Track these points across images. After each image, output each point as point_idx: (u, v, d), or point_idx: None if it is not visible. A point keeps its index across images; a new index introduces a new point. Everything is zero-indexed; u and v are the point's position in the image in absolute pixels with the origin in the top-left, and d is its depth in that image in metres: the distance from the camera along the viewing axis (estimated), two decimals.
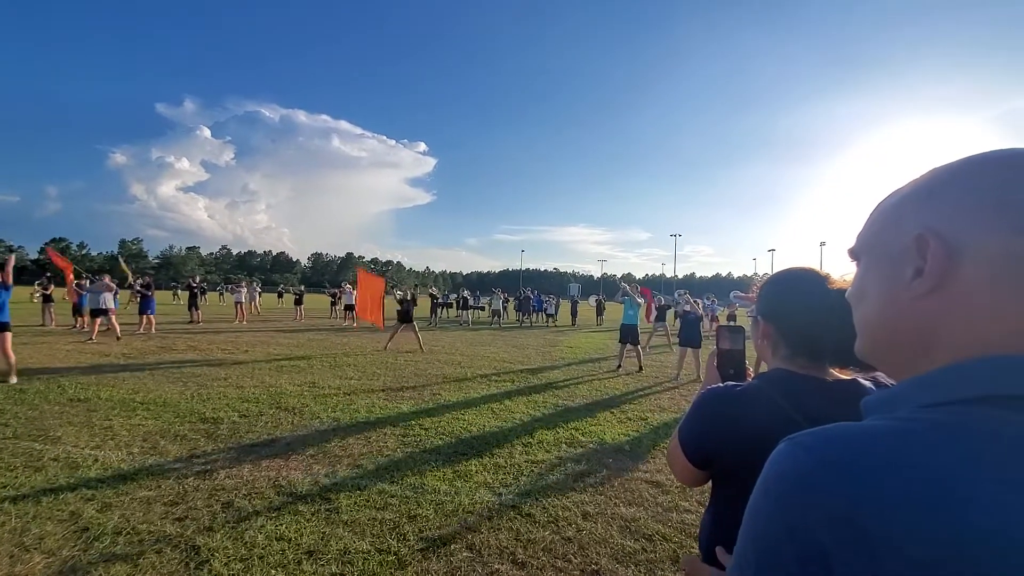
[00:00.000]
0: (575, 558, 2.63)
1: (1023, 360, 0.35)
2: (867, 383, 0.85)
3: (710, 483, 0.95)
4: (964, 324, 0.38)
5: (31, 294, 14.17)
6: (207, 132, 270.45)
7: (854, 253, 0.49)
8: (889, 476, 0.33)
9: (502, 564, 2.54)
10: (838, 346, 0.84)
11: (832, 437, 0.37)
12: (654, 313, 13.40)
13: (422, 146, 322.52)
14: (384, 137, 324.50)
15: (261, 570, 2.40)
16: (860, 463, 0.34)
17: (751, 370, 1.06)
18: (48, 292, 14.31)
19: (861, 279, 0.47)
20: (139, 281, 12.98)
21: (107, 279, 11.32)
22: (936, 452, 0.33)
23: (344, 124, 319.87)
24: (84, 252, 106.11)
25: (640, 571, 2.53)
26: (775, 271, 1.01)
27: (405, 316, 10.77)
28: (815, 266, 0.94)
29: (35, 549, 2.51)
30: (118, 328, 10.88)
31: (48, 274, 17.16)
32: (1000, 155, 0.39)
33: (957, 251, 0.37)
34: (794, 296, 0.90)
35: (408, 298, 11.02)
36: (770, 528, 0.37)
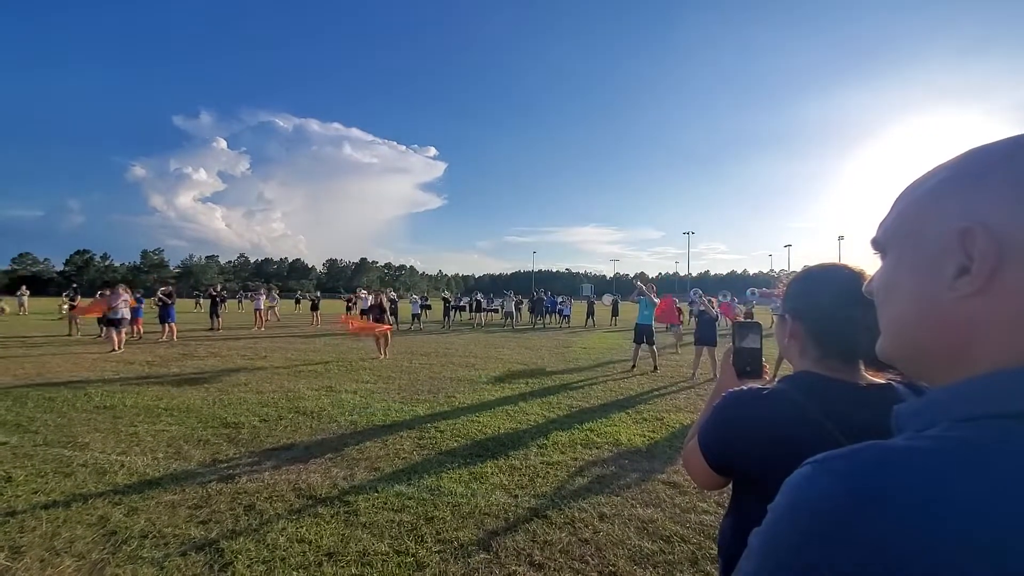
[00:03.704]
0: (592, 560, 2.62)
1: None
2: (901, 387, 0.80)
3: (730, 487, 0.92)
4: (1011, 329, 0.34)
5: (59, 305, 14.60)
6: (223, 143, 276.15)
7: (879, 244, 0.44)
8: (923, 506, 0.30)
9: (519, 566, 2.54)
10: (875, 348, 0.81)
11: (861, 460, 0.34)
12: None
13: (432, 151, 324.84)
14: (395, 143, 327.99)
15: (283, 572, 2.44)
16: (891, 491, 0.31)
17: (768, 367, 1.04)
18: (75, 303, 14.75)
19: (889, 274, 0.43)
20: (161, 290, 13.26)
21: (120, 289, 11.52)
22: (973, 476, 0.31)
23: (356, 131, 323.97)
24: (107, 263, 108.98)
25: (658, 573, 2.51)
26: (805, 266, 0.95)
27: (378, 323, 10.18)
28: (848, 262, 0.88)
29: (65, 553, 2.59)
30: (123, 340, 10.53)
31: (75, 285, 17.68)
32: None
33: (1009, 248, 0.33)
34: (827, 294, 0.85)
35: (376, 303, 10.38)
36: (786, 559, 0.33)
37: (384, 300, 10.41)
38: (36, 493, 3.28)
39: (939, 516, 0.29)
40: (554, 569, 2.52)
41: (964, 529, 0.29)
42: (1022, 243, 0.33)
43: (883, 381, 0.82)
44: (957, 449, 0.32)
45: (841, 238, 53.06)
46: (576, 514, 3.11)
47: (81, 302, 11.19)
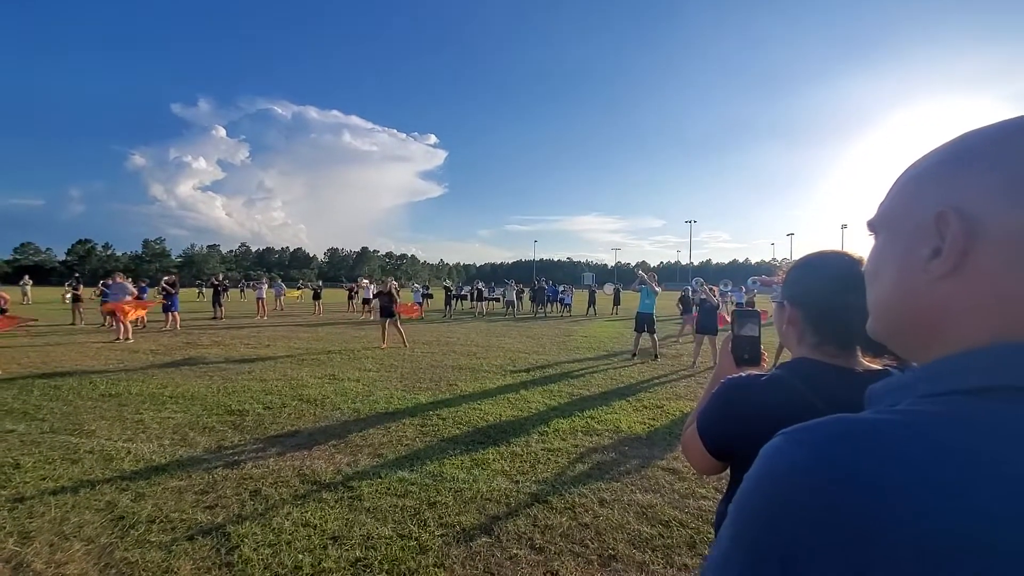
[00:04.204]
0: (592, 543, 2.66)
1: None
2: (897, 372, 0.82)
3: (728, 471, 0.93)
4: (980, 310, 0.35)
5: (62, 295, 14.65)
6: (222, 131, 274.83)
7: (872, 227, 0.45)
8: (885, 475, 0.31)
9: (520, 549, 2.58)
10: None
11: (828, 432, 0.35)
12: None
13: (432, 138, 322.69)
14: (395, 131, 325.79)
15: (289, 555, 2.49)
16: (856, 461, 0.32)
17: (766, 355, 1.05)
18: (78, 292, 14.81)
19: (877, 256, 0.44)
20: (165, 279, 13.30)
21: (119, 278, 11.52)
22: (934, 447, 0.32)
23: (355, 119, 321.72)
24: (109, 253, 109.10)
25: (657, 556, 2.55)
26: (804, 254, 0.95)
27: (386, 311, 10.03)
28: (848, 249, 0.88)
29: (74, 537, 2.63)
30: (130, 330, 10.58)
31: (77, 275, 17.73)
32: None
33: (980, 231, 0.35)
34: (825, 280, 0.85)
35: (386, 291, 10.18)
36: (756, 527, 0.35)
37: (394, 288, 10.43)
38: (44, 479, 3.33)
39: (891, 482, 0.31)
40: (555, 552, 2.56)
41: (914, 494, 0.30)
42: (993, 228, 0.34)
43: (880, 367, 0.83)
44: (915, 422, 0.34)
45: (844, 226, 52.78)
46: (576, 499, 3.15)
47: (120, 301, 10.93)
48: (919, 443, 0.32)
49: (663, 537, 2.73)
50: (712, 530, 2.78)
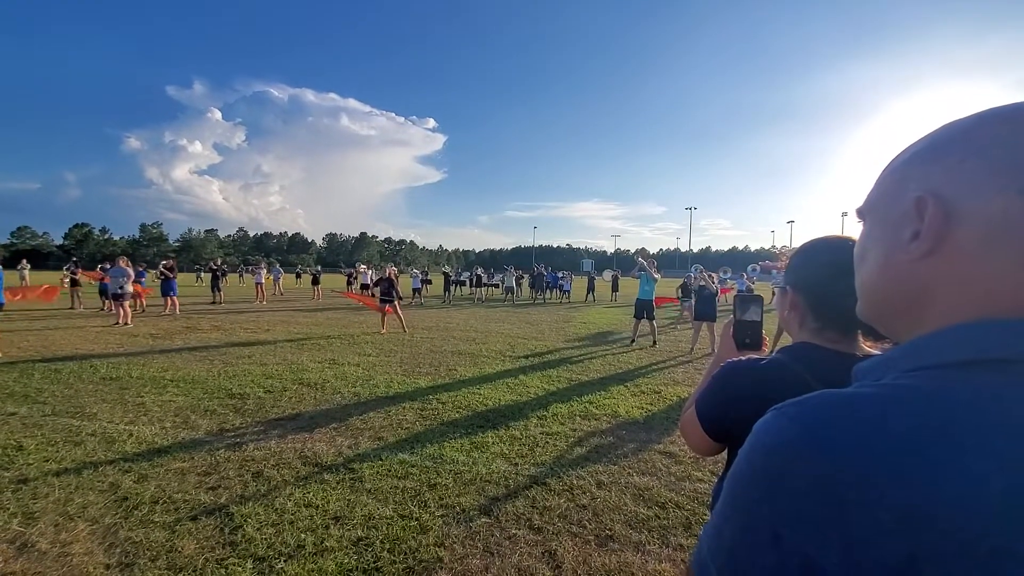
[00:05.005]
0: (589, 524, 2.71)
1: (1008, 324, 0.35)
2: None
3: (725, 452, 0.94)
4: (958, 288, 0.37)
5: (60, 279, 14.60)
6: (218, 114, 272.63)
7: (861, 213, 0.47)
8: (868, 445, 0.33)
9: (519, 529, 2.63)
10: None
11: (815, 406, 0.37)
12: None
13: (431, 122, 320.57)
14: (393, 114, 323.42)
15: (291, 534, 2.52)
16: (840, 432, 0.34)
17: (767, 340, 1.05)
18: (76, 276, 14.77)
19: (864, 240, 0.46)
20: (163, 263, 13.25)
21: (122, 262, 11.45)
22: (914, 418, 0.33)
23: (352, 102, 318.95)
24: (106, 237, 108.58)
25: (653, 536, 2.60)
26: (806, 240, 0.96)
27: (385, 296, 10.09)
28: (851, 235, 0.90)
29: (79, 518, 2.67)
30: (130, 314, 10.61)
31: (75, 259, 17.68)
32: (1014, 111, 0.37)
33: (956, 214, 0.36)
34: (826, 265, 0.85)
35: (385, 276, 10.30)
36: (749, 500, 0.37)
37: (394, 274, 10.41)
38: (47, 461, 3.36)
39: (873, 452, 0.32)
40: (553, 533, 2.61)
41: (895, 463, 0.31)
42: (967, 212, 0.36)
43: (879, 352, 0.83)
44: (895, 394, 0.35)
45: (845, 214, 52.57)
46: (574, 482, 3.19)
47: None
48: (903, 416, 0.34)
49: (659, 518, 2.78)
50: (708, 512, 2.82)
